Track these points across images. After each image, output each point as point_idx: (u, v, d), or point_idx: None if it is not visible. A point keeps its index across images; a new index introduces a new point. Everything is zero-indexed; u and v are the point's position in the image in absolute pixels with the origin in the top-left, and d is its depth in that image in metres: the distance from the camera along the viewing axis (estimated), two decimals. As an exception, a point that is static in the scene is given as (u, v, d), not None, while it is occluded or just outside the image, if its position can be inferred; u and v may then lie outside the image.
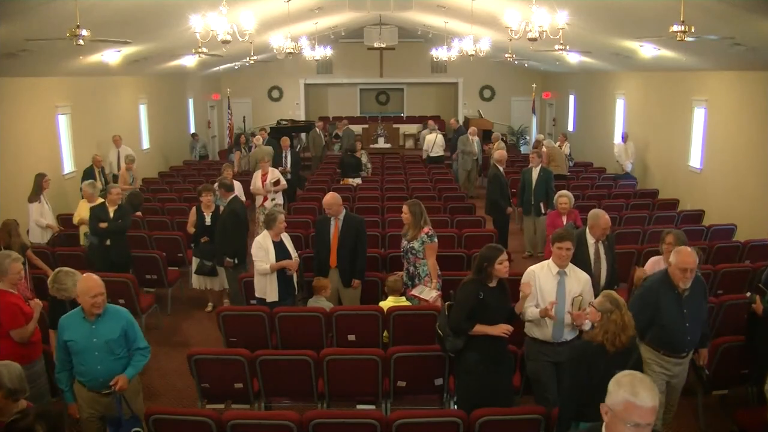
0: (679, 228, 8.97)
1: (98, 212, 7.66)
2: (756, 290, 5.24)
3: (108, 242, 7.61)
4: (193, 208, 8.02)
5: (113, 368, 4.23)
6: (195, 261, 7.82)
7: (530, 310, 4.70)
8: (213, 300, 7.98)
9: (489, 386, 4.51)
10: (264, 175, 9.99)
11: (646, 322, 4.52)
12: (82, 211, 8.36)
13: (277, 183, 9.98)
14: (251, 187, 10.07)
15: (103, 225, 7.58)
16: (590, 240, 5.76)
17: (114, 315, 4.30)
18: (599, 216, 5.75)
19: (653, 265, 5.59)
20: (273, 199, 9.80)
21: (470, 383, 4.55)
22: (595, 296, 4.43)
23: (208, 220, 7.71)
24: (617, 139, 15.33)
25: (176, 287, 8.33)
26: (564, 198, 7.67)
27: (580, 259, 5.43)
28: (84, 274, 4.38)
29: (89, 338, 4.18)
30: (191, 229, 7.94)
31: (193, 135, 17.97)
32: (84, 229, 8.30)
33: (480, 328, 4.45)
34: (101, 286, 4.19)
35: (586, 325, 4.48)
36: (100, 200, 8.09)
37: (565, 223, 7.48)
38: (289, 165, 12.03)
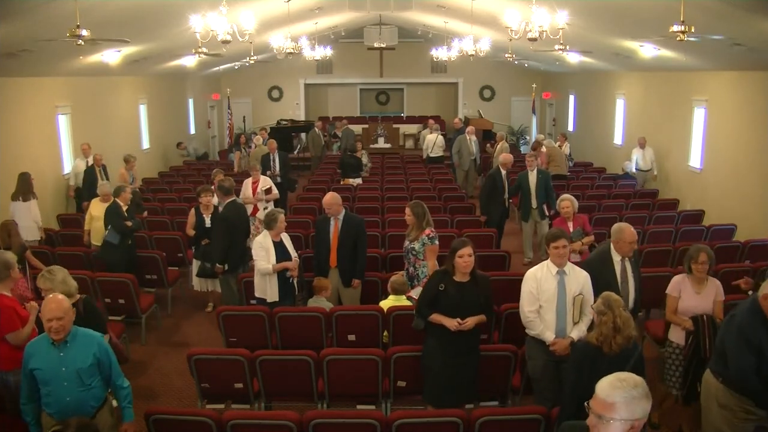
0: (679, 228, 9.00)
1: (119, 211, 7.65)
2: (759, 288, 5.24)
3: (129, 241, 7.69)
4: (192, 210, 8.00)
5: (83, 400, 3.87)
6: (196, 263, 7.81)
7: (540, 329, 4.69)
8: (213, 300, 7.97)
9: (447, 376, 4.67)
10: (255, 183, 9.53)
11: (754, 366, 3.90)
12: (95, 210, 8.24)
13: (268, 191, 9.52)
14: (241, 195, 9.37)
15: (129, 223, 7.63)
16: (616, 257, 5.21)
17: (84, 340, 3.91)
18: (623, 230, 5.18)
19: (677, 285, 5.05)
20: (265, 208, 9.22)
21: (430, 369, 4.76)
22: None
23: (207, 222, 7.69)
24: (617, 139, 15.35)
25: (176, 287, 8.33)
26: (566, 202, 7.21)
27: (605, 279, 5.02)
28: (50, 295, 3.94)
29: (57, 367, 3.80)
30: (190, 232, 7.91)
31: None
32: (96, 228, 8.14)
33: (436, 317, 4.66)
34: (62, 311, 3.76)
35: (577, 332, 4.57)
36: (111, 199, 8.06)
37: (572, 228, 7.03)
38: (277, 168, 11.54)
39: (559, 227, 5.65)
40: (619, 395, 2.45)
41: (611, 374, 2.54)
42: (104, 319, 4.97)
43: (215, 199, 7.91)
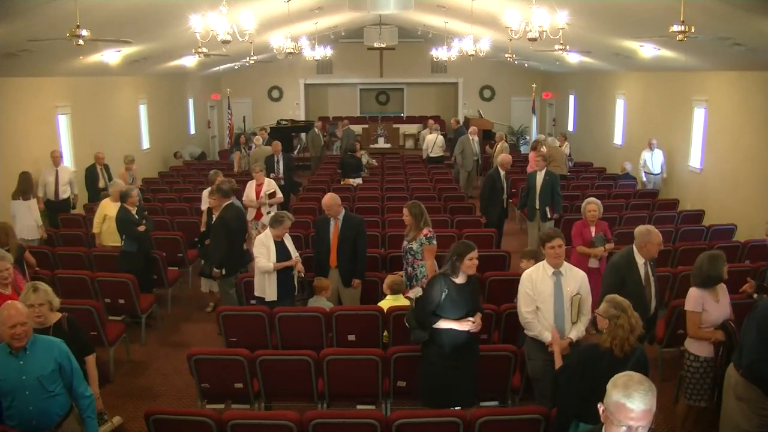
0: (679, 228, 9.00)
1: (130, 216, 7.47)
2: (761, 289, 5.24)
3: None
4: (206, 208, 8.04)
5: (48, 408, 3.76)
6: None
7: (538, 330, 4.66)
8: (213, 300, 7.96)
9: (451, 379, 4.63)
10: (258, 186, 9.06)
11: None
12: (108, 210, 7.97)
13: (272, 195, 9.05)
14: (244, 198, 9.03)
15: (142, 228, 7.50)
16: (640, 260, 5.17)
17: (45, 346, 3.80)
18: (651, 232, 5.13)
19: (699, 299, 4.74)
20: (269, 212, 8.63)
21: (432, 375, 4.68)
22: (648, 330, 4.20)
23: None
24: (617, 139, 15.35)
25: (176, 287, 8.33)
26: (593, 205, 6.92)
27: (633, 284, 5.01)
28: (7, 302, 3.84)
29: (18, 376, 3.68)
30: (202, 229, 7.97)
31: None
32: (111, 229, 7.92)
33: (445, 322, 4.56)
34: (23, 316, 3.68)
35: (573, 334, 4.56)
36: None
37: (594, 233, 6.82)
38: (281, 171, 11.30)
39: (555, 228, 5.56)
40: (650, 400, 2.47)
41: (622, 381, 2.51)
42: (88, 338, 4.75)
43: (206, 204, 7.82)
